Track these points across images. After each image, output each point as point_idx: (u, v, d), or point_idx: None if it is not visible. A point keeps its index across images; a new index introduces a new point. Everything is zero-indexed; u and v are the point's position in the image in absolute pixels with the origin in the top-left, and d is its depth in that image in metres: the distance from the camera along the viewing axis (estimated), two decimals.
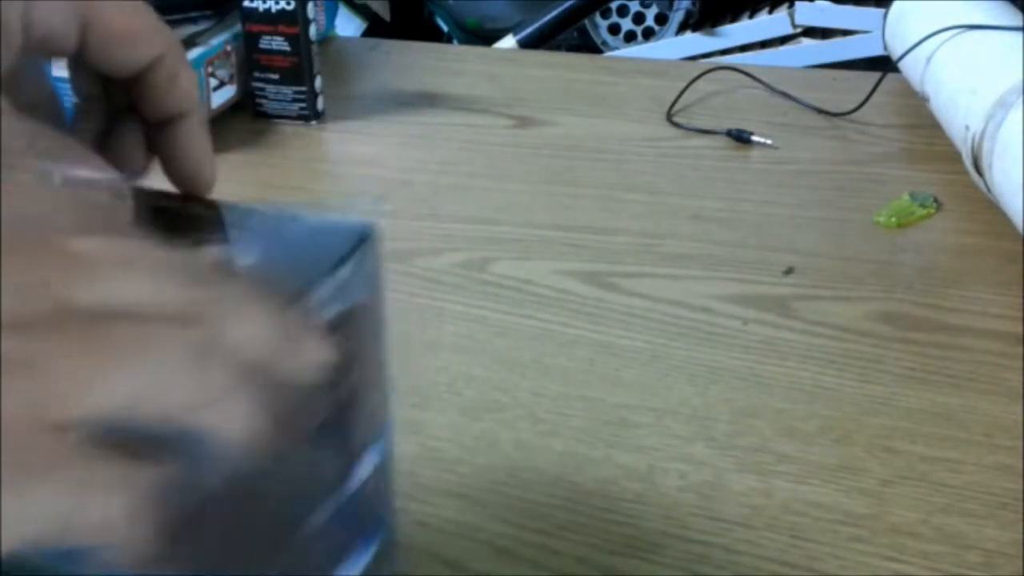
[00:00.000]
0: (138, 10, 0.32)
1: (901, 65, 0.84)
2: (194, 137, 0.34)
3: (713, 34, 1.85)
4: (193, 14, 0.86)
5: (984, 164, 0.67)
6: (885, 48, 0.90)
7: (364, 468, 0.33)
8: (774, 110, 0.87)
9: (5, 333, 0.21)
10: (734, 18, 1.87)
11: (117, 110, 0.34)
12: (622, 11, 1.94)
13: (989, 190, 0.68)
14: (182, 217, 0.33)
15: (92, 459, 0.22)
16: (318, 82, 0.85)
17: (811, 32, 1.82)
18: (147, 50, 0.32)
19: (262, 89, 0.86)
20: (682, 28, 1.91)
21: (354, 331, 0.31)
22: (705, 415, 0.53)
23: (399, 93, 0.92)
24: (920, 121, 0.82)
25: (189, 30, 0.85)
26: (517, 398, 0.55)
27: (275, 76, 0.85)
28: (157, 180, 0.34)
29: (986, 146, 0.66)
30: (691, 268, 0.66)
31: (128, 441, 0.22)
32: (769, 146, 0.80)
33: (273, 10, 0.83)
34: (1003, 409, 0.53)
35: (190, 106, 0.33)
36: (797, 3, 1.79)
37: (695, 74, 0.90)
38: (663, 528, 0.47)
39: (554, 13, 1.83)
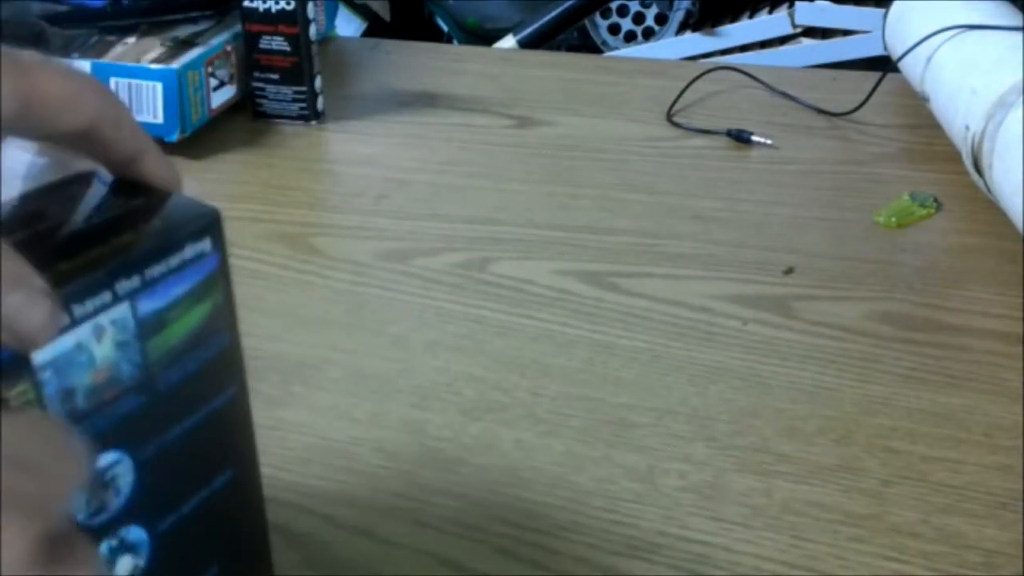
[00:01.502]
0: (69, 72, 0.32)
1: (901, 65, 0.84)
2: (160, 167, 0.35)
3: (713, 34, 1.85)
4: (193, 14, 0.86)
5: (984, 164, 0.67)
6: (885, 48, 0.90)
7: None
8: (774, 110, 0.87)
9: None
10: (734, 18, 1.88)
11: None
12: (622, 11, 1.94)
13: (989, 190, 0.68)
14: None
15: None
16: (318, 82, 0.85)
17: (811, 32, 1.82)
18: (86, 108, 0.32)
19: (262, 89, 0.86)
20: (682, 28, 1.91)
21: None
22: (705, 415, 0.53)
23: (399, 93, 0.92)
24: (920, 121, 0.82)
25: (189, 30, 0.85)
26: (517, 398, 0.55)
27: (275, 76, 0.85)
28: None
29: (986, 146, 0.66)
30: (691, 268, 0.66)
31: None
32: (769, 146, 0.80)
33: (273, 10, 0.83)
34: (1003, 409, 0.53)
35: (143, 142, 0.34)
36: (797, 3, 1.79)
37: (695, 74, 0.90)
38: (663, 528, 0.47)
39: (554, 13, 1.83)
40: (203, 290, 0.34)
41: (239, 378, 0.37)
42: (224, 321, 0.35)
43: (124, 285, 0.31)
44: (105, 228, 0.32)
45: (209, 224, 0.33)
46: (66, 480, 0.27)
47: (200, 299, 0.34)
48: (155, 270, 0.32)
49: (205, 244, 0.33)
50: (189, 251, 0.33)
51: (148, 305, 0.32)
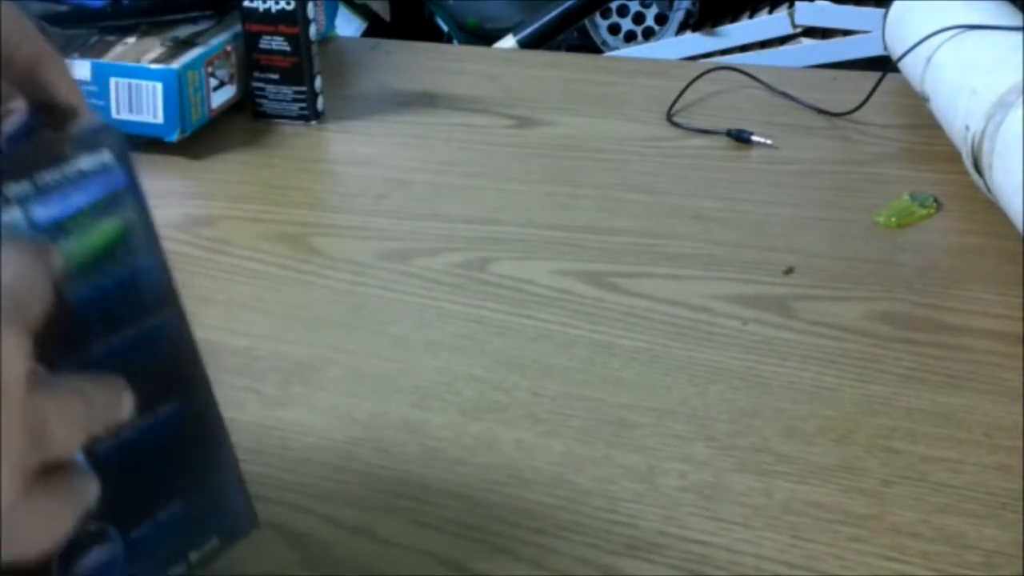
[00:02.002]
0: None
1: (901, 65, 0.84)
2: (62, 77, 0.36)
3: (713, 34, 1.85)
4: (193, 14, 0.86)
5: (984, 164, 0.67)
6: (885, 48, 0.89)
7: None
8: (774, 110, 0.87)
9: None
10: (734, 18, 1.87)
11: None
12: (622, 11, 1.94)
13: (989, 190, 0.68)
14: None
15: None
16: (318, 82, 0.85)
17: (811, 32, 1.82)
18: None
19: (262, 89, 0.86)
20: (682, 28, 1.91)
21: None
22: (705, 415, 0.53)
23: (399, 93, 0.92)
24: (920, 121, 0.82)
25: (189, 30, 0.85)
26: (517, 398, 0.55)
27: (275, 76, 0.85)
28: None
29: (986, 146, 0.66)
30: (691, 268, 0.66)
31: None
32: (769, 146, 0.80)
33: (273, 10, 0.83)
34: (1003, 409, 0.53)
35: (43, 49, 0.36)
36: (797, 3, 1.79)
37: (695, 74, 0.90)
38: (663, 528, 0.47)
39: (554, 13, 1.83)
40: (109, 205, 0.34)
41: (174, 304, 0.37)
42: (143, 242, 0.35)
43: (13, 189, 0.31)
44: (3, 145, 0.33)
45: (107, 138, 0.34)
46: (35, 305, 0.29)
47: (106, 213, 0.34)
48: (47, 177, 0.32)
49: (104, 157, 0.34)
50: (86, 162, 0.33)
51: (45, 212, 0.32)
